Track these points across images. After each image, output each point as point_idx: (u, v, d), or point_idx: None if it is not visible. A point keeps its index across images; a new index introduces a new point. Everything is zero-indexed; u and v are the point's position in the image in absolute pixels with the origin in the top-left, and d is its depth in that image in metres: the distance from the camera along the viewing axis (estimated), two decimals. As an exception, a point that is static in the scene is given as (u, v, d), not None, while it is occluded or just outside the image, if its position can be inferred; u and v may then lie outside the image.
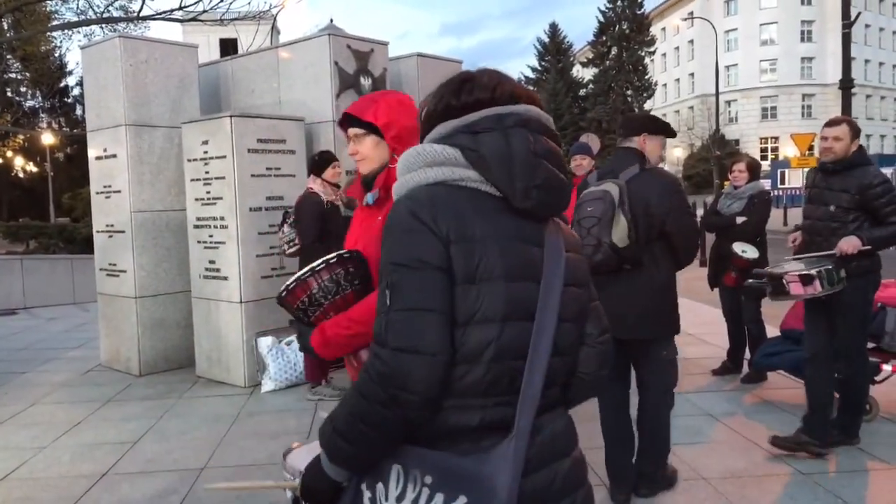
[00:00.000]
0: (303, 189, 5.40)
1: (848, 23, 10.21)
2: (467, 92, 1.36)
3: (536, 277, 1.27)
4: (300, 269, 5.58)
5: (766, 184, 5.32)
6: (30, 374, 6.38)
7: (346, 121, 1.99)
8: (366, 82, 6.52)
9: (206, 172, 5.87)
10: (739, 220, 5.39)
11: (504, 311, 1.21)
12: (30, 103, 36.86)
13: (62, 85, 38.02)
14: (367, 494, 1.25)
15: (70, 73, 38.10)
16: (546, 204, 1.31)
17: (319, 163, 5.29)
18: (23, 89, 33.79)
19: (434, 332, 1.17)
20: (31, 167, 39.70)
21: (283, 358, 5.66)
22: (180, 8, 10.64)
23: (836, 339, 3.91)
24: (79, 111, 38.71)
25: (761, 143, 57.89)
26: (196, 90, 6.62)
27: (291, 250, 5.29)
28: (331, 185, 5.30)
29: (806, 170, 23.82)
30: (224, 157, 5.70)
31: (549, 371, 1.25)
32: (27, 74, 29.54)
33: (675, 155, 56.36)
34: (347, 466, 1.28)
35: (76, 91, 39.08)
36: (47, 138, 32.57)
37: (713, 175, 39.17)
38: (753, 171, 5.61)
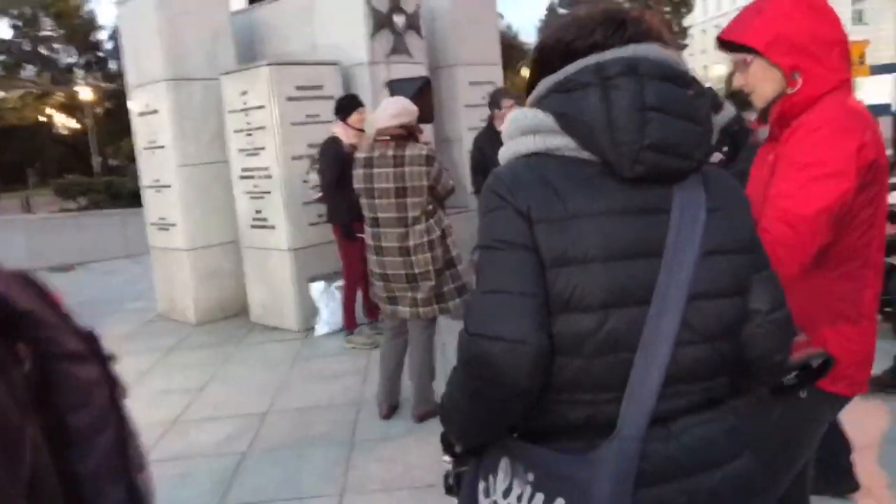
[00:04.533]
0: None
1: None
2: (584, 34, 1.16)
3: (659, 252, 1.08)
4: (329, 214, 5.43)
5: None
6: (94, 327, 6.64)
7: (724, 45, 1.70)
8: (399, 20, 6.39)
9: (248, 123, 5.90)
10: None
11: (603, 297, 1.05)
12: (65, 60, 37.24)
13: (95, 40, 38.26)
14: (482, 484, 1.18)
15: (101, 27, 38.26)
16: (664, 167, 1.09)
17: (346, 107, 5.24)
18: (56, 46, 34.13)
19: (517, 317, 1.04)
20: (73, 123, 40.43)
21: (334, 301, 5.78)
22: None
23: None
24: (112, 65, 39.03)
25: (808, 58, 55.38)
26: (230, 40, 6.59)
27: (317, 196, 5.32)
28: (355, 130, 5.20)
29: (857, 80, 22.70)
30: (263, 106, 5.71)
31: (678, 362, 1.07)
32: (61, 31, 29.82)
33: (716, 72, 54.35)
34: (456, 438, 1.27)
35: (109, 45, 39.29)
36: (85, 94, 32.98)
37: (757, 95, 37.61)
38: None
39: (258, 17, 7.28)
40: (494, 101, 5.82)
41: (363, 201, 3.78)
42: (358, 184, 3.76)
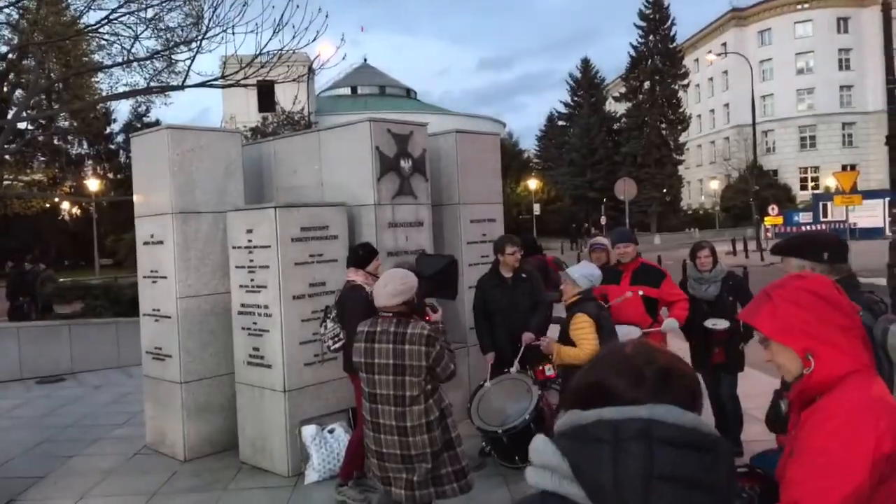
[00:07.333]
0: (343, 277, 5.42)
1: (893, 78, 10.05)
2: (617, 373, 1.20)
3: None
4: (344, 363, 5.43)
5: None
6: (77, 459, 6.44)
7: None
8: (406, 164, 6.57)
9: (251, 261, 5.95)
10: (721, 324, 5.55)
11: None
12: (76, 151, 38.11)
13: (107, 132, 39.30)
14: None
15: (115, 120, 39.40)
16: None
17: (364, 257, 5.29)
18: (70, 137, 35.02)
19: None
20: (76, 211, 40.93)
21: (326, 447, 5.64)
22: (222, 76, 10.95)
23: None
24: (122, 157, 39.94)
25: (800, 174, 56.98)
26: (240, 175, 6.74)
27: (337, 345, 5.20)
28: (373, 277, 5.29)
29: (849, 207, 23.14)
30: (268, 246, 5.77)
31: None
32: (74, 124, 30.63)
33: (711, 187, 55.73)
34: None
35: (120, 138, 40.35)
36: (92, 185, 33.55)
37: (752, 208, 38.60)
38: (715, 254, 5.89)
39: (268, 149, 7.50)
40: (499, 248, 5.97)
41: (362, 375, 3.75)
42: (357, 357, 3.74)
